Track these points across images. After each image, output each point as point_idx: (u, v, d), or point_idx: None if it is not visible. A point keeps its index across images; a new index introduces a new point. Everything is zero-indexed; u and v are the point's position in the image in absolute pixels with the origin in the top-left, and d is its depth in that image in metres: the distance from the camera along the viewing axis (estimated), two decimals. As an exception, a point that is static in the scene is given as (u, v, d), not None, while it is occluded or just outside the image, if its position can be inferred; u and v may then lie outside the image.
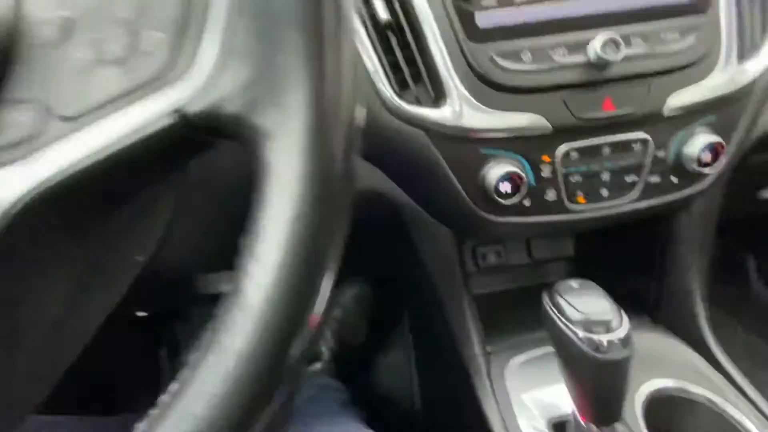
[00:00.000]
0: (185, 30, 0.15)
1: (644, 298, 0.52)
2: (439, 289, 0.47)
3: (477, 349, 0.46)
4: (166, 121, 0.15)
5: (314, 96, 0.15)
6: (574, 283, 0.35)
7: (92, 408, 0.69)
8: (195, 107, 0.15)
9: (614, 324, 0.32)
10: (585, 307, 0.33)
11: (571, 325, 0.32)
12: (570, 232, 0.57)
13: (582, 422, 0.36)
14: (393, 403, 0.91)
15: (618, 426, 0.34)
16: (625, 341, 0.32)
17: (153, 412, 0.14)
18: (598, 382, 0.33)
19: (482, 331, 0.49)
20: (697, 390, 0.41)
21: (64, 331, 0.20)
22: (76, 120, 0.15)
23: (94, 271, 0.21)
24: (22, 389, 0.19)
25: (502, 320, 0.54)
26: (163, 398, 0.14)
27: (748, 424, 0.39)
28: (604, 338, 0.31)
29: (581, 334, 0.32)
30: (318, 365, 0.83)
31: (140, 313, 0.77)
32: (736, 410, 0.40)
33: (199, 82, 0.15)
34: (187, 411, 0.13)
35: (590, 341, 0.31)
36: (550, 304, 0.34)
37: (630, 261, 0.55)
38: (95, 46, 0.15)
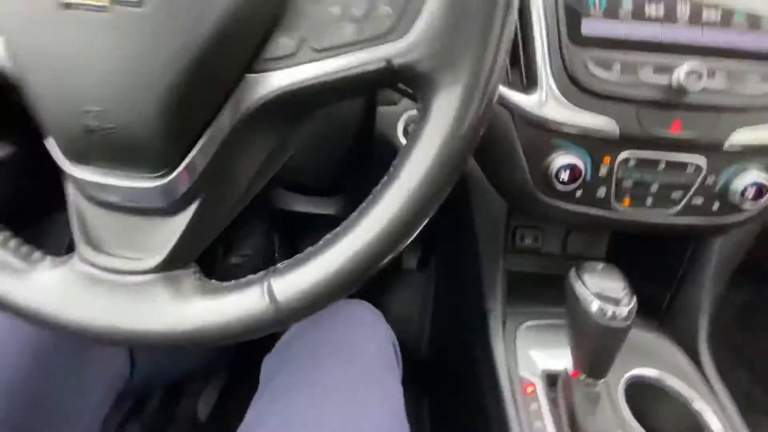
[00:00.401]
0: (407, 8, 0.22)
1: (658, 304, 0.59)
2: (482, 252, 0.55)
3: (500, 305, 0.54)
4: (379, 65, 0.23)
5: (476, 75, 0.22)
6: (599, 265, 0.42)
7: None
8: (399, 61, 0.23)
9: (624, 302, 0.39)
10: (603, 283, 0.40)
11: (590, 295, 0.40)
12: (608, 229, 0.63)
13: (572, 377, 0.45)
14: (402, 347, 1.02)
15: (601, 381, 0.42)
16: (628, 316, 0.39)
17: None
18: (601, 344, 0.41)
19: (506, 296, 0.57)
20: (673, 383, 0.48)
21: (245, 193, 0.30)
22: (321, 52, 0.23)
23: (269, 160, 0.30)
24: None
25: (525, 294, 0.62)
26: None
27: (711, 419, 0.46)
28: (612, 310, 0.39)
29: (597, 303, 0.39)
30: (351, 299, 0.94)
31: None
32: (704, 405, 0.47)
33: (405, 45, 0.22)
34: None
35: (602, 310, 0.39)
36: (575, 276, 0.41)
37: (654, 271, 0.60)
38: (344, 7, 0.23)
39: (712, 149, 0.43)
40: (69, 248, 0.28)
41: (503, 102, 0.45)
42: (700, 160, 0.44)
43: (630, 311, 0.39)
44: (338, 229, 0.25)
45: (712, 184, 0.45)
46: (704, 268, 0.53)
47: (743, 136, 0.43)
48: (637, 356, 0.52)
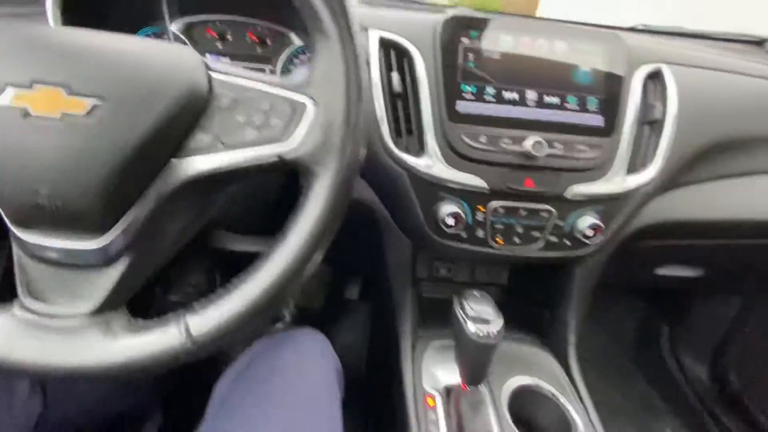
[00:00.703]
0: (291, 121, 0.32)
1: (541, 322, 0.71)
2: (394, 283, 0.65)
3: (409, 328, 0.64)
4: (273, 159, 0.32)
5: (339, 166, 0.32)
6: (476, 293, 0.53)
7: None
8: (287, 156, 0.32)
9: (493, 323, 0.50)
10: (478, 308, 0.51)
11: (467, 319, 0.50)
12: (492, 263, 0.75)
13: (462, 389, 0.54)
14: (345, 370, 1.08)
15: (480, 387, 0.52)
16: (497, 334, 0.49)
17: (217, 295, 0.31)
18: (476, 357, 0.51)
19: (418, 320, 0.67)
20: (549, 387, 0.59)
21: (172, 247, 0.37)
22: (230, 146, 0.32)
23: (194, 219, 0.38)
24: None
25: (439, 317, 0.72)
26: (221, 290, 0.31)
27: (575, 416, 0.57)
28: (483, 329, 0.49)
29: (473, 325, 0.50)
30: (279, 325, 1.00)
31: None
32: (570, 405, 0.58)
33: (291, 146, 0.32)
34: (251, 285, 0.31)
35: (476, 331, 0.49)
36: (458, 304, 0.52)
37: (539, 295, 0.73)
38: (246, 117, 0.32)
39: (557, 199, 0.57)
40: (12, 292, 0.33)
41: (402, 164, 0.56)
42: (550, 207, 0.57)
43: (498, 330, 0.50)
44: (244, 273, 0.33)
45: (562, 225, 0.58)
46: (570, 291, 0.66)
47: (579, 189, 0.57)
48: (522, 367, 0.63)
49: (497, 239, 0.58)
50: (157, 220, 0.33)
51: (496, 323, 0.50)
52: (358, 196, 0.61)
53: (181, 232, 0.36)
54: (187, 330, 0.31)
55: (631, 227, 0.63)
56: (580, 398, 0.59)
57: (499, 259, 0.60)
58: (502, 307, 0.77)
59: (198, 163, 0.32)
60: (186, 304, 0.33)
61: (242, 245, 0.90)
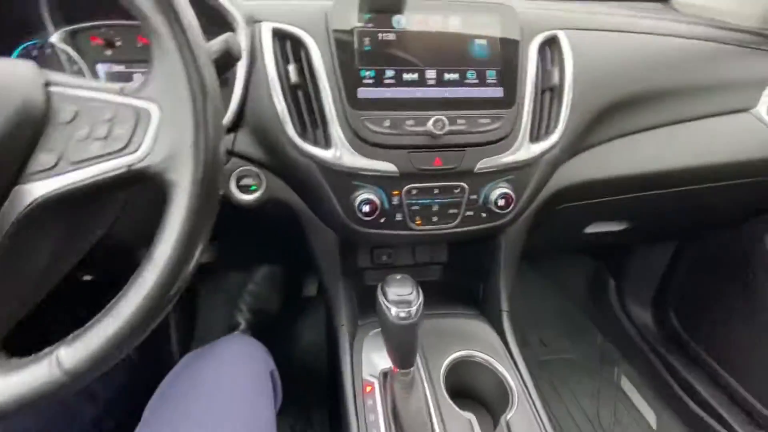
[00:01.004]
0: (136, 129, 0.31)
1: (477, 295, 0.73)
2: (325, 277, 0.65)
3: (344, 320, 0.64)
4: (122, 170, 0.31)
5: (195, 170, 0.31)
6: (397, 276, 0.54)
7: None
8: (137, 167, 0.31)
9: (413, 303, 0.50)
10: (399, 291, 0.51)
11: (388, 303, 0.51)
12: (415, 244, 0.77)
13: (393, 372, 0.55)
14: (308, 369, 1.08)
15: (412, 370, 0.53)
16: (416, 313, 0.50)
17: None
18: (401, 339, 0.51)
19: (355, 310, 0.67)
20: (484, 356, 0.61)
21: (42, 280, 0.35)
22: (75, 163, 0.31)
23: (65, 246, 0.36)
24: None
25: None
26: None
27: (508, 378, 0.59)
28: (404, 311, 0.50)
29: (393, 308, 0.50)
30: (236, 333, 0.99)
31: (87, 277, 0.89)
32: (503, 369, 0.60)
33: (140, 156, 0.31)
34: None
35: (396, 313, 0.50)
36: (380, 289, 0.52)
37: (474, 268, 0.75)
38: (90, 130, 0.31)
39: (468, 175, 0.58)
40: None
41: (311, 157, 0.56)
42: (462, 183, 0.58)
43: (416, 309, 0.50)
44: (113, 300, 0.32)
45: (475, 200, 0.59)
46: (498, 261, 0.68)
47: (487, 163, 0.58)
48: (460, 341, 0.65)
49: (416, 220, 0.59)
50: (13, 251, 0.31)
51: (415, 302, 0.51)
52: (277, 195, 0.60)
53: (52, 260, 0.34)
54: (59, 363, 0.30)
55: (545, 193, 0.65)
56: (515, 363, 0.61)
57: (423, 240, 0.61)
58: (444, 284, 0.79)
59: (43, 187, 0.30)
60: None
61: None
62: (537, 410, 0.56)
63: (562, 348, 1.37)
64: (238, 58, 0.40)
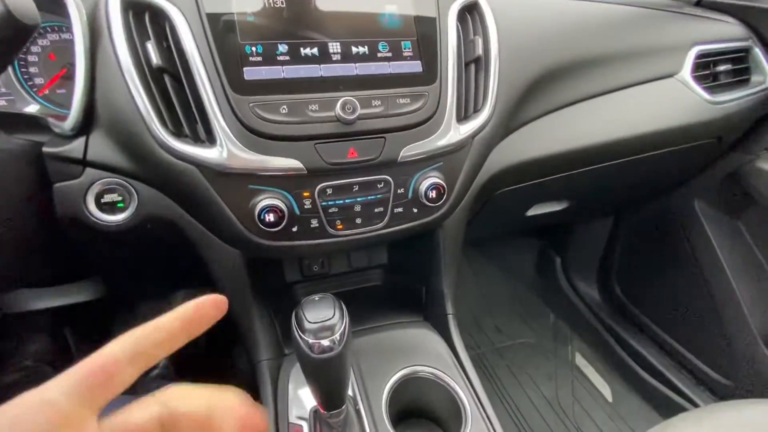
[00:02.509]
0: None
1: (419, 298, 0.65)
2: (233, 304, 0.53)
3: (263, 354, 0.53)
4: None
5: None
6: (316, 297, 0.44)
7: None
8: None
9: (336, 329, 0.41)
10: (317, 316, 0.41)
11: (303, 334, 0.40)
12: (340, 251, 0.68)
13: (321, 411, 0.45)
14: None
15: (344, 408, 0.44)
16: (340, 341, 0.40)
17: None
18: (323, 376, 0.41)
19: (279, 337, 0.57)
20: (430, 370, 0.54)
21: None
22: None
23: None
24: None
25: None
26: None
27: (460, 393, 0.52)
28: (326, 340, 0.40)
29: (311, 339, 0.40)
30: (154, 372, 0.84)
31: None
32: (454, 383, 0.53)
33: None
34: None
35: (313, 343, 0.40)
36: (294, 318, 0.42)
37: (415, 268, 0.67)
38: None
39: (391, 165, 0.49)
40: None
41: (188, 159, 0.44)
42: (385, 176, 0.49)
43: (341, 336, 0.41)
44: None
45: (403, 194, 0.51)
46: (438, 259, 0.60)
47: (411, 150, 0.49)
48: (404, 355, 0.56)
49: (337, 225, 0.49)
50: None
51: (339, 328, 0.41)
52: (154, 212, 0.48)
53: None
54: None
55: (480, 179, 0.58)
56: (466, 374, 0.54)
57: (347, 246, 0.52)
58: (388, 288, 0.69)
59: None
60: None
61: (44, 301, 0.71)
62: (492, 426, 0.49)
63: (517, 332, 1.35)
64: (29, 26, 0.28)
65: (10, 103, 0.51)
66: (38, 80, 0.52)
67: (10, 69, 0.50)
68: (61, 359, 0.85)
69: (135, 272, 0.62)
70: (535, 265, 1.44)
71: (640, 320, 1.19)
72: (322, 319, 0.41)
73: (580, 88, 0.68)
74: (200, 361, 0.97)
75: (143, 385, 0.87)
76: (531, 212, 0.82)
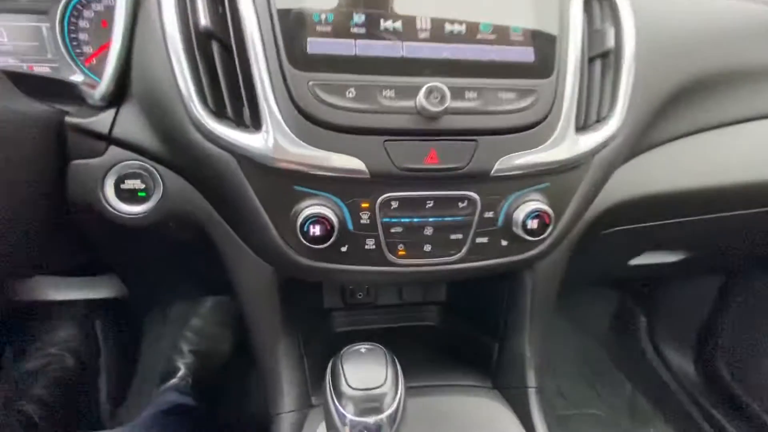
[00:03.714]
0: None
1: (489, 355, 0.51)
2: (255, 333, 0.42)
3: (285, 405, 0.42)
4: None
5: None
6: (363, 349, 0.32)
7: None
8: None
9: (387, 403, 0.29)
10: (361, 380, 0.29)
11: (339, 403, 0.29)
12: (398, 284, 0.55)
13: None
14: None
15: None
16: (392, 421, 0.28)
17: None
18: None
19: (306, 381, 0.45)
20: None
21: None
22: None
23: None
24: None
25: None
26: None
27: None
28: (369, 418, 0.28)
29: (349, 416, 0.28)
30: (171, 382, 0.75)
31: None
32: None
33: None
34: None
35: (353, 425, 0.28)
36: (330, 371, 0.30)
37: (485, 316, 0.53)
38: None
39: (481, 179, 0.36)
40: None
41: (225, 145, 0.34)
42: (471, 193, 0.37)
43: (393, 414, 0.28)
44: None
45: (492, 219, 0.38)
46: (521, 309, 0.46)
47: (511, 162, 0.36)
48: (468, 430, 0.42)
49: (398, 250, 0.37)
50: None
51: (390, 403, 0.29)
52: (179, 207, 0.39)
53: None
54: None
55: (593, 211, 0.44)
56: None
57: (408, 279, 0.40)
58: (442, 332, 0.56)
59: None
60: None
61: (62, 293, 0.66)
62: None
63: (584, 400, 1.13)
64: None
65: (54, 71, 0.47)
66: (87, 48, 0.47)
67: (59, 36, 0.46)
68: (86, 350, 0.81)
69: (153, 275, 0.54)
70: (611, 322, 1.21)
71: (745, 406, 0.94)
72: (368, 384, 0.29)
73: (729, 107, 0.52)
74: (221, 372, 0.88)
75: (157, 395, 0.79)
76: (636, 261, 0.65)
